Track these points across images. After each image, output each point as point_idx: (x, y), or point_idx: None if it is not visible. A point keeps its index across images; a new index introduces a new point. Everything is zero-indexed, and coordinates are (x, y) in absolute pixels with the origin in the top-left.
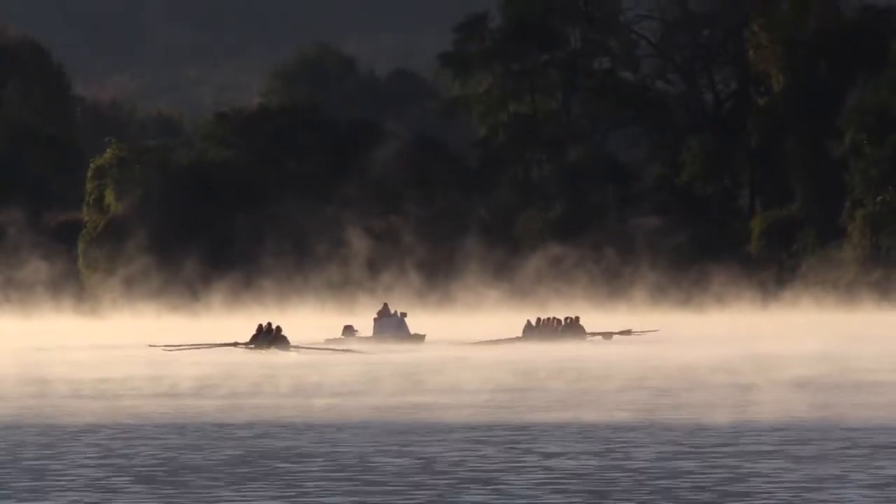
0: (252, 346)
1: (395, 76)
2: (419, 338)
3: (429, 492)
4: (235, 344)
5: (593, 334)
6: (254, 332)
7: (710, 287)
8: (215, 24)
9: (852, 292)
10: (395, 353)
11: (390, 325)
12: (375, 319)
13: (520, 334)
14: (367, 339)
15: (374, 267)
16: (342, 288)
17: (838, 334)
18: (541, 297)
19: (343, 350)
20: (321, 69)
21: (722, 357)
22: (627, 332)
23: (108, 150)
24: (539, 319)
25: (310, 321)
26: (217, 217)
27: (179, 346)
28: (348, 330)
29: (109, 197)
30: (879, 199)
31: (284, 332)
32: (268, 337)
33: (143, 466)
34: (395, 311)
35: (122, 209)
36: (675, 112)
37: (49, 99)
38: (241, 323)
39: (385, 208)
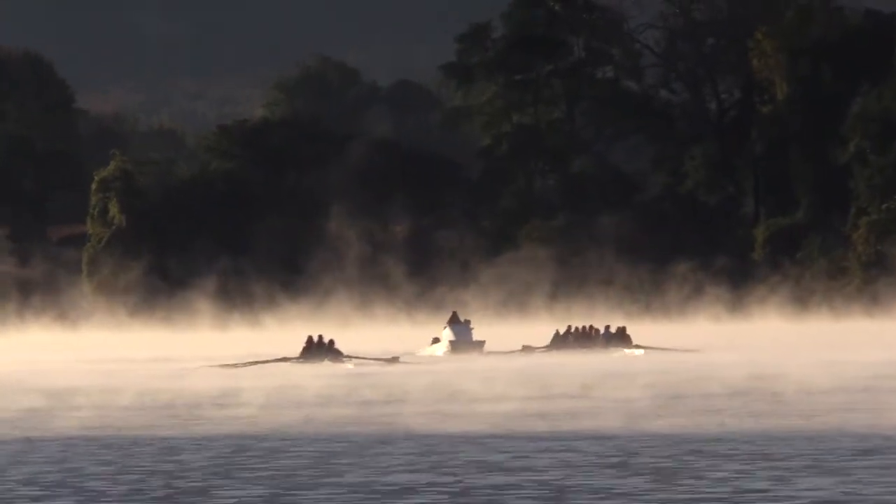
0: (302, 360)
1: (398, 87)
2: (481, 344)
3: None
4: (285, 359)
5: (639, 347)
6: (304, 345)
7: (728, 300)
8: (214, 37)
9: (863, 300)
10: (456, 363)
11: (462, 331)
12: (448, 325)
13: (547, 343)
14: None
15: (373, 277)
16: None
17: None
18: (539, 308)
19: (396, 361)
20: (323, 81)
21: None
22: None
23: (111, 163)
24: (570, 328)
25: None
26: (222, 228)
27: (235, 364)
28: (437, 340)
29: (114, 209)
30: (884, 206)
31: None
32: (321, 350)
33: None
34: (463, 319)
35: (125, 221)
36: (679, 121)
37: (50, 112)
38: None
39: (383, 218)
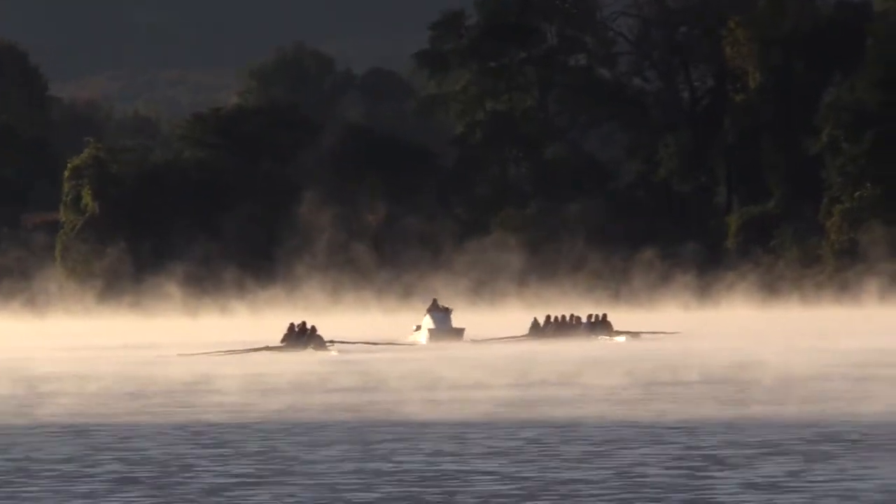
0: (284, 347)
1: (372, 75)
2: (460, 332)
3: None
4: (267, 348)
5: (621, 333)
6: (285, 332)
7: (705, 286)
8: (193, 25)
9: (833, 288)
10: (438, 350)
11: (442, 319)
12: (428, 313)
13: (525, 333)
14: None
15: (349, 265)
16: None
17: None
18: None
19: (382, 345)
20: (299, 69)
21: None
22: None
23: (85, 151)
24: (548, 317)
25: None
26: (195, 215)
27: (209, 352)
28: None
29: (87, 197)
30: (857, 195)
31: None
32: (302, 337)
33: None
34: (443, 306)
35: (98, 209)
36: (652, 109)
37: (25, 100)
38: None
39: (358, 206)
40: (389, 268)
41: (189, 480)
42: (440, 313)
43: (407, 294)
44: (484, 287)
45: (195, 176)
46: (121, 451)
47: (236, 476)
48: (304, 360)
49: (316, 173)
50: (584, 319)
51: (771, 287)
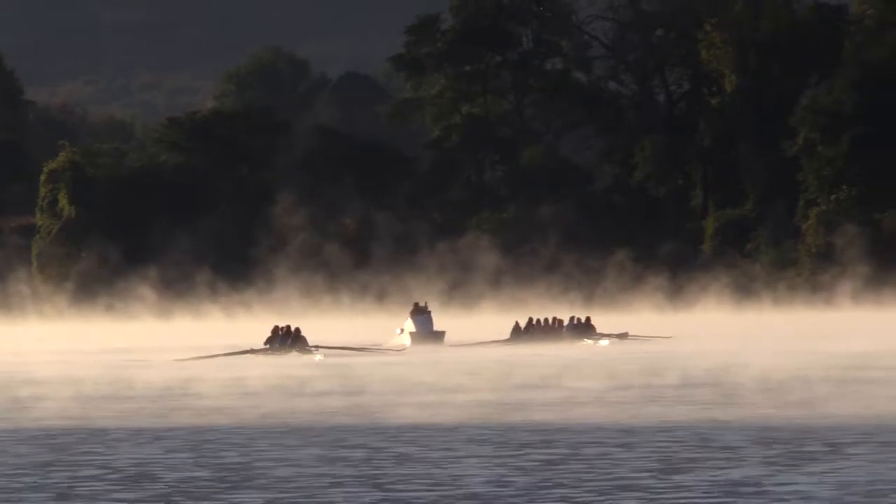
0: (269, 349)
1: (348, 79)
2: (442, 335)
3: None
4: (252, 350)
5: (604, 336)
6: (269, 335)
7: (681, 289)
8: (170, 29)
9: (807, 290)
10: (426, 354)
11: (424, 322)
12: (411, 316)
13: (507, 336)
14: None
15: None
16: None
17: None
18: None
19: (364, 350)
20: (274, 72)
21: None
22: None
23: (61, 154)
24: (530, 320)
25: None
26: (170, 219)
27: (193, 358)
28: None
29: (63, 201)
30: (833, 197)
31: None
32: (287, 340)
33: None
34: (425, 305)
35: (75, 213)
36: (628, 113)
37: (0, 104)
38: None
39: (333, 209)
40: (364, 270)
41: (149, 486)
42: (423, 316)
43: (382, 296)
44: (458, 290)
45: (171, 180)
46: (89, 455)
47: (201, 481)
48: (286, 363)
49: (289, 175)
50: (566, 322)
51: (746, 289)
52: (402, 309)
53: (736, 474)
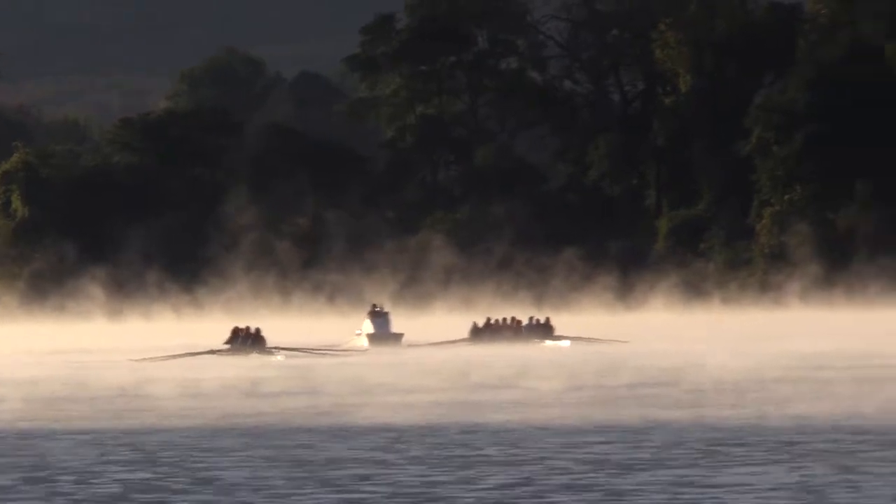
0: (229, 350)
1: (302, 79)
2: (399, 336)
3: None
4: (212, 351)
5: (563, 338)
6: (229, 335)
7: (631, 289)
8: (127, 30)
9: (760, 290)
10: (385, 356)
11: (381, 324)
12: (368, 317)
13: (465, 336)
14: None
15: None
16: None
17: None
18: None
19: (324, 352)
20: (229, 72)
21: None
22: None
23: (14, 155)
24: (488, 320)
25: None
26: (124, 220)
27: (155, 358)
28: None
29: (16, 202)
30: (787, 197)
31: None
32: (247, 341)
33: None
34: (382, 308)
35: (28, 213)
36: (583, 112)
37: None
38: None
39: (285, 208)
40: (317, 269)
41: (93, 487)
42: (380, 318)
43: (333, 296)
44: (409, 289)
45: (124, 180)
46: (28, 456)
47: (145, 483)
48: (245, 364)
49: (242, 174)
50: (525, 322)
51: (696, 288)
52: (353, 309)
53: (691, 472)
